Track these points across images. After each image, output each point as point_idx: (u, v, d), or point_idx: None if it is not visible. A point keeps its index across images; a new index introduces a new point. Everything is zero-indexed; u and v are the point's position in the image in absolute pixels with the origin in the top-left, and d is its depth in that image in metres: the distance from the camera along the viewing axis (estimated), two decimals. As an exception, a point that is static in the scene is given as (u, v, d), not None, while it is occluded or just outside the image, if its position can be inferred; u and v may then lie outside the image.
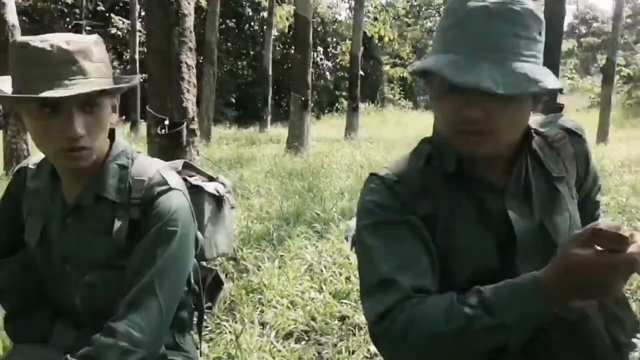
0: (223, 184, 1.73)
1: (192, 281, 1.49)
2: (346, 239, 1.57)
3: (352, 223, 1.46)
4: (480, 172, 1.12)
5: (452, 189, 1.13)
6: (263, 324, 2.79)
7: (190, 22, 3.90)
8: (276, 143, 11.82)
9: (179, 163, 1.61)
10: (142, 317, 1.21)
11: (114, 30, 16.91)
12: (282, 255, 3.73)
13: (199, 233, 1.46)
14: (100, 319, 1.28)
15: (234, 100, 21.86)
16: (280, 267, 3.52)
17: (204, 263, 1.69)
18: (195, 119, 4.02)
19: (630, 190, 5.94)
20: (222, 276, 3.38)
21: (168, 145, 3.83)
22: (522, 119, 1.06)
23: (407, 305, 1.00)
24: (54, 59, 1.17)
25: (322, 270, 3.47)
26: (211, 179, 1.72)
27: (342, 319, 2.90)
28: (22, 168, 1.46)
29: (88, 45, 1.23)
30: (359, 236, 1.14)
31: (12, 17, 6.41)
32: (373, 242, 1.10)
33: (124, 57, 17.25)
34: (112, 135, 1.38)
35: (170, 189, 1.32)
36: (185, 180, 1.53)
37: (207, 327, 2.71)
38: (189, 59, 3.90)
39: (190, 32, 3.90)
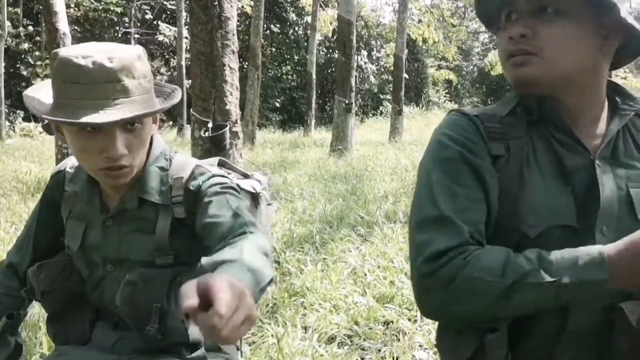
0: (259, 180, 1.70)
1: None
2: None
3: None
4: (563, 123, 1.07)
5: (533, 138, 1.08)
6: (305, 328, 2.75)
7: (232, 25, 3.93)
8: (320, 147, 11.81)
9: (214, 161, 1.59)
10: (252, 243, 1.14)
11: (161, 38, 17.31)
12: (324, 259, 3.68)
13: None
14: (139, 318, 1.27)
15: (278, 105, 22.02)
16: (322, 271, 3.47)
17: None
18: (239, 121, 4.04)
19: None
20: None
21: (211, 148, 3.86)
22: (575, 47, 1.03)
23: (465, 251, 0.95)
24: (95, 77, 1.14)
25: (365, 274, 3.40)
26: (246, 176, 1.70)
27: (386, 323, 2.83)
28: (60, 171, 1.46)
29: (131, 62, 1.19)
30: (425, 166, 1.08)
31: (63, 25, 6.59)
32: (438, 177, 1.03)
33: (171, 63, 17.62)
34: (151, 139, 1.37)
35: (214, 175, 1.33)
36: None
37: (249, 330, 2.69)
38: (231, 61, 3.92)
39: (233, 35, 3.92)
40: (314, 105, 16.88)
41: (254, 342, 2.59)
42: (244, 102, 12.82)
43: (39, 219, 1.47)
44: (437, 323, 1.23)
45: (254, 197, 1.62)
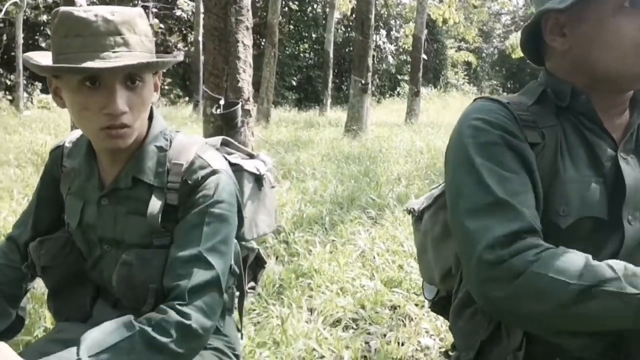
0: (264, 161, 1.66)
1: (232, 262, 1.44)
2: (409, 212, 1.45)
3: (415, 200, 1.43)
4: (595, 115, 1.06)
5: (564, 127, 1.06)
6: (311, 310, 2.73)
7: (247, 0, 3.85)
8: (335, 126, 11.73)
9: (217, 140, 1.55)
10: (207, 304, 1.17)
11: (179, 12, 17.21)
12: (333, 240, 3.65)
13: (241, 212, 1.40)
14: (135, 299, 1.25)
15: (294, 83, 21.89)
16: (331, 252, 3.45)
17: (252, 243, 1.64)
18: (251, 99, 3.98)
19: None
20: (272, 257, 3.38)
21: (222, 125, 3.81)
22: None
23: (537, 245, 0.90)
24: (97, 29, 1.11)
25: (374, 257, 3.37)
26: (251, 156, 1.66)
27: (393, 308, 2.80)
28: (59, 147, 1.44)
29: (133, 17, 1.17)
30: (461, 153, 1.04)
31: (80, -3, 6.57)
32: (482, 162, 0.99)
33: (189, 39, 17.55)
34: (150, 115, 1.33)
35: (214, 171, 1.27)
36: (224, 158, 1.47)
37: (254, 310, 2.68)
38: (245, 37, 3.85)
39: (248, 10, 3.84)
40: (330, 84, 16.74)
41: (258, 322, 2.58)
42: (260, 80, 12.77)
43: (39, 195, 1.45)
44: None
45: (258, 179, 1.59)
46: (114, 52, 1.12)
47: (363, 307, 2.77)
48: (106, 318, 1.33)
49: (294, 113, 16.50)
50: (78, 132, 1.42)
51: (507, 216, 0.93)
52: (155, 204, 1.25)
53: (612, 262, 0.88)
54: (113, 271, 1.27)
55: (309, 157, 6.89)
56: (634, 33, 0.98)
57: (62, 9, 1.15)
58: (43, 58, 1.22)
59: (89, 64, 1.08)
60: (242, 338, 1.60)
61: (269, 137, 9.04)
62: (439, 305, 1.47)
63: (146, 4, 17.17)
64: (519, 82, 31.57)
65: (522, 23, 29.66)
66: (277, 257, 3.44)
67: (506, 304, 0.90)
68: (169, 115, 13.27)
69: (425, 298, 1.51)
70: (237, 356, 1.51)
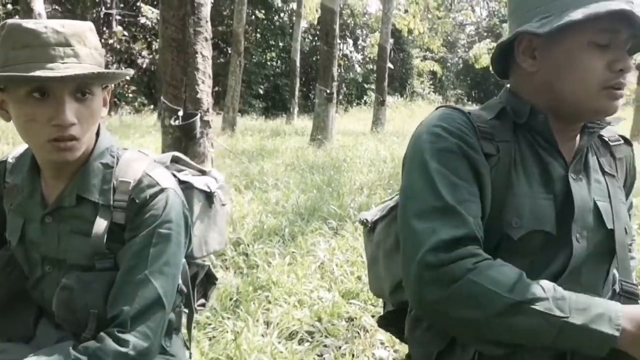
0: (215, 178, 1.65)
1: (180, 281, 1.43)
2: (362, 223, 1.46)
3: (368, 211, 1.45)
4: (551, 135, 1.11)
5: (520, 143, 1.11)
6: (267, 323, 2.71)
7: (206, 11, 3.84)
8: (301, 135, 11.74)
9: (167, 157, 1.54)
10: (150, 328, 1.17)
11: (143, 20, 17.01)
12: (293, 252, 3.65)
13: (190, 231, 1.39)
14: (76, 324, 1.22)
15: (261, 92, 21.85)
16: (290, 264, 3.44)
17: (203, 260, 1.63)
18: (210, 110, 3.97)
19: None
20: (231, 270, 3.35)
21: (181, 137, 3.78)
22: None
23: (475, 254, 0.94)
24: (47, 40, 1.11)
25: (333, 269, 3.37)
26: (203, 172, 1.65)
27: (350, 320, 2.81)
28: (1, 162, 1.41)
29: (83, 30, 1.17)
30: (418, 157, 1.07)
31: (38, 5, 6.44)
32: (436, 167, 1.03)
33: (153, 46, 17.37)
34: (97, 131, 1.31)
35: (162, 189, 1.25)
36: (173, 175, 1.46)
37: (210, 324, 2.65)
38: (204, 49, 3.84)
39: (207, 21, 3.83)
40: (297, 93, 16.78)
41: (213, 337, 2.56)
42: (226, 89, 12.70)
43: None
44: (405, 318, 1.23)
45: (208, 196, 1.57)
46: (63, 62, 1.11)
47: (319, 319, 2.77)
48: (49, 339, 1.31)
49: (261, 122, 16.46)
50: (22, 148, 1.39)
51: (453, 222, 0.97)
52: (100, 224, 1.23)
53: (543, 282, 0.92)
54: (54, 293, 1.24)
55: (273, 166, 6.88)
56: (600, 70, 1.03)
57: (10, 21, 1.14)
58: None
59: (38, 73, 1.07)
60: (190, 357, 1.58)
61: (234, 146, 8.99)
62: (387, 320, 1.48)
63: (110, 11, 16.94)
64: (484, 92, 32.19)
65: (485, 34, 30.29)
66: (235, 270, 3.41)
67: (439, 307, 0.93)
68: (133, 123, 13.07)
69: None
70: (184, 375, 1.49)
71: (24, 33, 1.11)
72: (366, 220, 1.43)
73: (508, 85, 1.22)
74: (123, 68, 1.23)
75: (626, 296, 1.22)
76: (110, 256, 1.24)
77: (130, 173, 1.27)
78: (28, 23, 1.12)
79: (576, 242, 1.07)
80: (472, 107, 1.20)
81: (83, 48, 1.16)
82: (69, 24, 1.15)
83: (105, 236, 1.22)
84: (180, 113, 3.76)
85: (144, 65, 17.61)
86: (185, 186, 1.49)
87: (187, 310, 1.55)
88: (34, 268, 1.31)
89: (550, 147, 1.11)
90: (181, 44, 3.75)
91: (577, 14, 0.99)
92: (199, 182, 1.55)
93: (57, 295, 1.23)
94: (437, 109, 1.17)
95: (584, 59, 1.03)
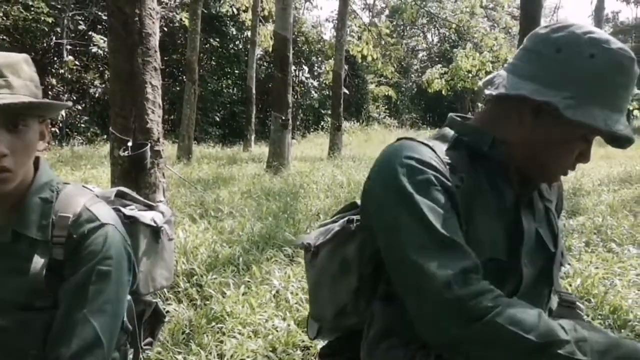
0: (162, 212, 1.63)
1: (125, 319, 1.39)
2: (304, 248, 1.42)
3: (308, 235, 1.43)
4: (508, 167, 1.16)
5: (478, 173, 1.13)
6: (221, 356, 2.66)
7: (155, 41, 3.82)
8: (258, 162, 11.71)
9: (111, 192, 1.51)
10: None
11: (95, 49, 16.75)
12: (248, 281, 3.60)
13: (135, 267, 1.36)
14: None
15: (218, 119, 21.75)
16: (245, 294, 3.39)
17: (149, 297, 1.60)
18: (161, 139, 3.92)
19: (607, 209, 5.89)
20: (184, 302, 3.27)
21: (131, 167, 3.72)
22: None
23: (485, 284, 0.96)
24: None
25: (288, 297, 3.34)
26: (150, 207, 1.63)
27: (305, 348, 2.78)
28: None
29: (17, 62, 1.16)
30: (398, 191, 1.05)
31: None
32: (421, 200, 1.02)
33: (105, 76, 17.13)
34: (36, 165, 1.28)
35: (102, 225, 1.23)
36: (118, 210, 1.43)
37: (148, 351, 2.57)
38: (153, 79, 3.81)
39: (155, 51, 3.81)
40: (254, 119, 16.78)
41: (165, 373, 2.49)
42: (181, 117, 12.58)
43: None
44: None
45: (155, 232, 1.55)
46: None
47: (274, 349, 2.73)
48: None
49: (218, 149, 16.35)
50: None
51: (456, 255, 0.98)
52: (38, 261, 1.19)
53: (563, 322, 0.94)
54: None
55: (229, 194, 6.81)
56: (573, 157, 1.12)
57: None
58: None
59: None
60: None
61: (190, 175, 8.88)
62: (330, 349, 1.47)
63: (60, 41, 16.66)
64: (437, 115, 32.90)
65: (437, 59, 31.05)
66: (188, 302, 3.34)
67: (461, 345, 0.94)
68: (85, 154, 12.78)
69: (309, 337, 1.50)
70: (129, 417, 1.45)
71: None
72: (309, 244, 1.41)
73: (453, 115, 1.25)
74: (74, 98, 1.20)
75: (568, 305, 1.29)
76: (49, 294, 1.20)
77: (70, 208, 1.24)
78: None
79: (524, 267, 1.11)
80: (425, 138, 1.20)
81: (17, 79, 1.14)
82: (3, 55, 1.14)
83: (44, 273, 1.18)
84: (130, 144, 3.70)
85: (97, 95, 17.29)
86: (131, 221, 1.47)
87: (132, 349, 1.51)
88: None
89: (504, 178, 1.15)
90: (130, 73, 3.71)
91: (600, 123, 1.02)
92: (146, 216, 1.53)
93: None
94: (397, 140, 1.18)
95: (572, 147, 1.10)
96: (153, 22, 3.81)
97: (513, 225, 1.13)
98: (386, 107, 30.61)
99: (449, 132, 1.21)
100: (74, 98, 16.58)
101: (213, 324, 2.99)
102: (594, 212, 5.74)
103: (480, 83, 1.25)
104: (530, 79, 1.09)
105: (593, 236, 4.70)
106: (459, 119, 1.24)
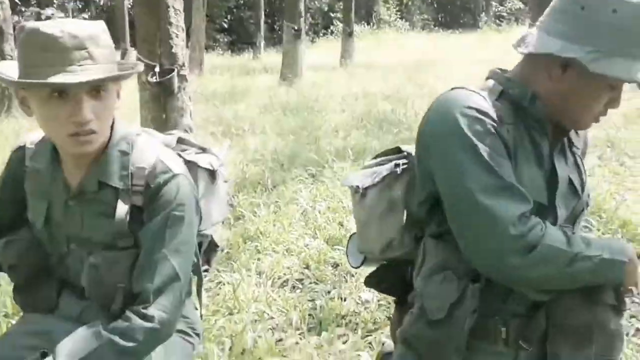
0: (216, 156, 1.77)
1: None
2: (354, 190, 1.55)
3: (354, 176, 1.57)
4: (544, 121, 1.27)
5: (520, 124, 1.26)
6: (260, 273, 2.91)
7: (176, -37, 3.77)
8: (271, 73, 11.62)
9: (172, 139, 1.65)
10: (170, 301, 1.33)
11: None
12: (277, 201, 3.80)
13: (200, 209, 1.53)
14: (105, 298, 1.38)
15: (226, 25, 21.22)
16: (275, 213, 3.60)
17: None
18: (186, 64, 3.97)
19: (622, 119, 5.92)
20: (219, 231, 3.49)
21: (159, 93, 3.81)
22: None
23: (536, 219, 1.16)
24: (64, 44, 1.20)
25: (316, 216, 3.55)
26: (203, 150, 1.76)
27: (335, 265, 3.02)
28: (21, 147, 1.49)
29: (97, 33, 1.26)
30: (463, 139, 1.19)
31: None
32: (483, 148, 1.18)
33: None
34: (112, 121, 1.42)
35: (174, 175, 1.38)
36: (179, 156, 1.58)
37: (206, 276, 2.82)
38: (176, 2, 3.80)
39: (176, -26, 3.77)
40: (262, 25, 16.40)
41: (211, 289, 2.74)
42: (190, 27, 12.35)
43: (1, 194, 1.51)
44: None
45: (212, 174, 1.70)
46: (79, 65, 1.21)
47: (307, 266, 2.97)
48: (72, 309, 1.46)
49: (227, 57, 16.13)
50: (39, 134, 1.48)
51: (517, 197, 1.16)
52: (122, 208, 1.36)
53: (577, 235, 1.20)
54: (79, 269, 1.39)
55: (247, 109, 6.90)
56: (602, 105, 1.23)
57: (29, 24, 1.23)
58: (9, 69, 1.29)
59: (57, 79, 1.18)
60: (202, 318, 1.76)
61: (205, 88, 8.91)
62: (375, 278, 1.66)
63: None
64: (450, 15, 31.78)
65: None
66: (223, 222, 3.56)
67: (521, 271, 1.15)
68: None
69: (351, 266, 1.69)
70: (197, 335, 1.67)
71: (42, 37, 1.19)
72: (357, 187, 1.55)
73: (497, 69, 1.36)
74: (79, 7, 1.29)
75: None
76: (131, 235, 1.38)
77: (145, 159, 1.39)
78: (45, 27, 1.20)
79: (559, 209, 1.27)
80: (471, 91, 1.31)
81: (97, 49, 1.25)
82: (84, 27, 1.24)
83: (127, 217, 1.36)
84: (157, 69, 3.76)
85: (101, 2, 16.84)
86: (191, 165, 1.62)
87: (196, 277, 1.71)
88: (59, 246, 1.44)
89: (542, 130, 1.28)
90: (153, -2, 3.70)
91: (623, 73, 1.14)
92: (203, 161, 1.67)
93: (86, 274, 1.37)
94: (452, 89, 1.30)
95: (600, 96, 1.21)
96: (173, -58, 3.73)
97: (549, 173, 1.28)
98: (397, 8, 29.56)
99: (493, 84, 1.32)
100: (79, 7, 16.17)
101: (248, 242, 3.22)
102: (608, 123, 5.77)
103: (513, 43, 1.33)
104: (557, 36, 1.20)
105: (607, 149, 4.80)
106: (500, 72, 1.35)
